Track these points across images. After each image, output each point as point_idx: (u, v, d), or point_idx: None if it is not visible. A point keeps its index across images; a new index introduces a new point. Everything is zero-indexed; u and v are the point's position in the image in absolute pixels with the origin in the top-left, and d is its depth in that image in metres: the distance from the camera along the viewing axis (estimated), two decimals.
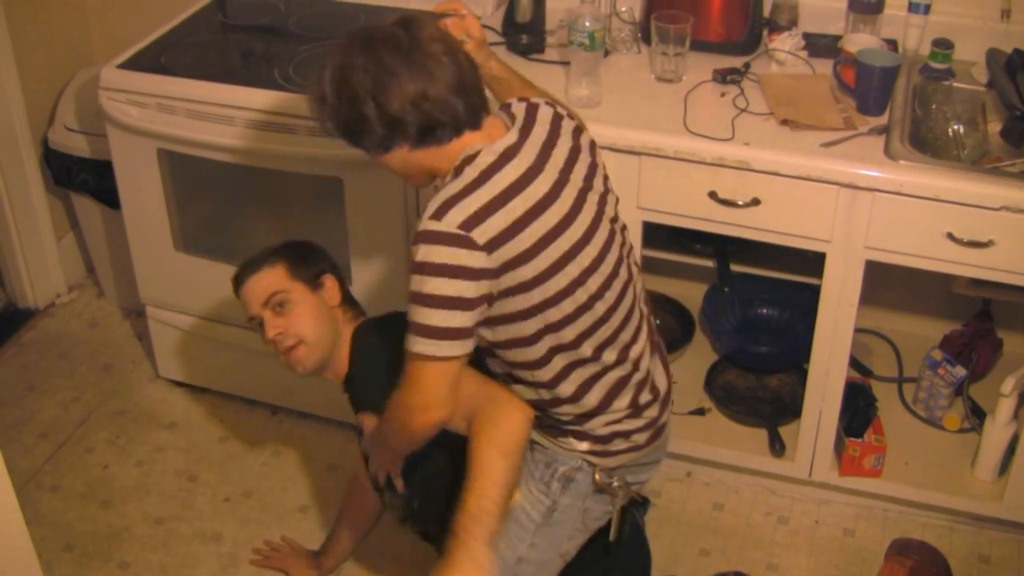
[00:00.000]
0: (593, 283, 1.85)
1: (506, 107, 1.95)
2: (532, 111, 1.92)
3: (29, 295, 3.54)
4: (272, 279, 2.21)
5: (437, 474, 2.09)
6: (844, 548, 2.70)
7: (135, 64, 2.80)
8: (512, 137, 1.83)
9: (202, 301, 2.99)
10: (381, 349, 2.14)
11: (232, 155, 2.69)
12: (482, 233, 1.72)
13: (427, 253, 1.73)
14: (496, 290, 1.78)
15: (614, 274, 1.89)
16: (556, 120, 1.93)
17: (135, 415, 3.15)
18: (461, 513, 1.83)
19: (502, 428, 1.88)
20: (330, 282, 2.26)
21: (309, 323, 2.18)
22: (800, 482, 2.78)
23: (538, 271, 1.78)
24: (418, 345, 1.76)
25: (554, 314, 1.83)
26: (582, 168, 1.89)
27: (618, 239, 1.93)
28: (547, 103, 1.96)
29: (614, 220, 1.94)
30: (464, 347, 1.78)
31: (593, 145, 1.98)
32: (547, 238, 1.78)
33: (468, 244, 1.72)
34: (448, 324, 1.74)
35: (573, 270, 1.81)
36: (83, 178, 3.23)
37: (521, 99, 1.96)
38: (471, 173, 1.77)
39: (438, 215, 1.73)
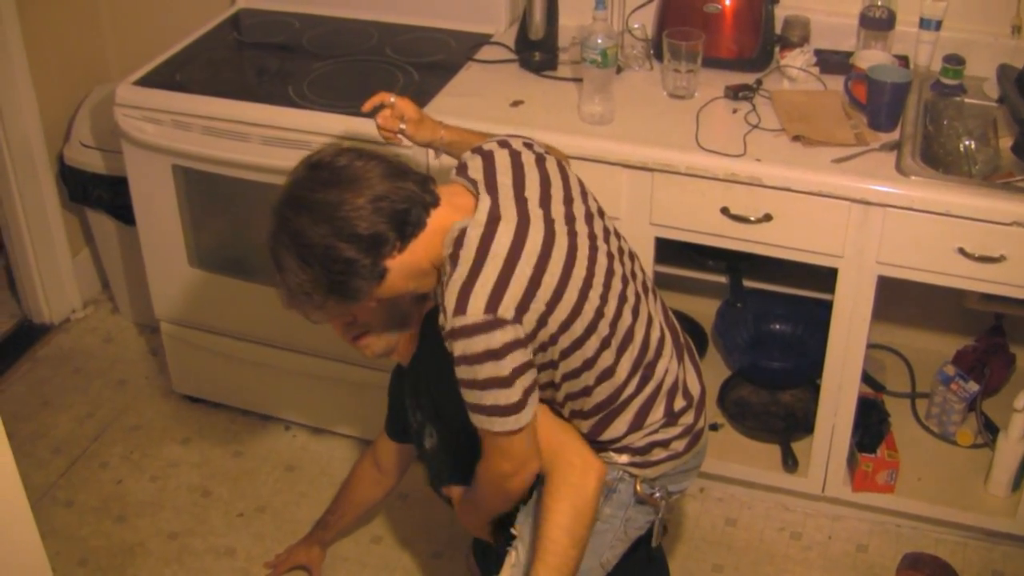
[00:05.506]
0: (608, 309, 1.86)
1: (462, 169, 1.92)
2: (489, 161, 1.90)
3: (44, 311, 3.55)
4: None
5: None
6: (857, 564, 2.69)
7: (150, 81, 2.82)
8: (486, 200, 1.82)
9: (216, 317, 3.00)
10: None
11: (247, 171, 2.71)
12: (506, 308, 1.74)
13: (466, 347, 1.75)
14: (533, 347, 1.80)
15: (623, 297, 1.89)
16: (515, 158, 1.91)
17: (149, 430, 3.16)
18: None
19: (575, 504, 1.90)
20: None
21: (389, 335, 2.13)
22: (813, 497, 2.78)
23: (560, 321, 1.80)
24: (497, 425, 1.80)
25: (585, 352, 1.85)
26: (558, 198, 1.87)
27: (617, 260, 1.92)
28: (500, 143, 1.94)
29: (607, 238, 1.92)
30: (536, 404, 1.83)
31: (562, 167, 1.95)
32: (560, 286, 1.79)
33: (499, 324, 1.73)
34: (514, 398, 1.78)
35: (589, 308, 1.82)
36: (98, 194, 3.25)
37: (474, 151, 1.94)
38: (467, 255, 1.76)
39: (460, 309, 1.74)
